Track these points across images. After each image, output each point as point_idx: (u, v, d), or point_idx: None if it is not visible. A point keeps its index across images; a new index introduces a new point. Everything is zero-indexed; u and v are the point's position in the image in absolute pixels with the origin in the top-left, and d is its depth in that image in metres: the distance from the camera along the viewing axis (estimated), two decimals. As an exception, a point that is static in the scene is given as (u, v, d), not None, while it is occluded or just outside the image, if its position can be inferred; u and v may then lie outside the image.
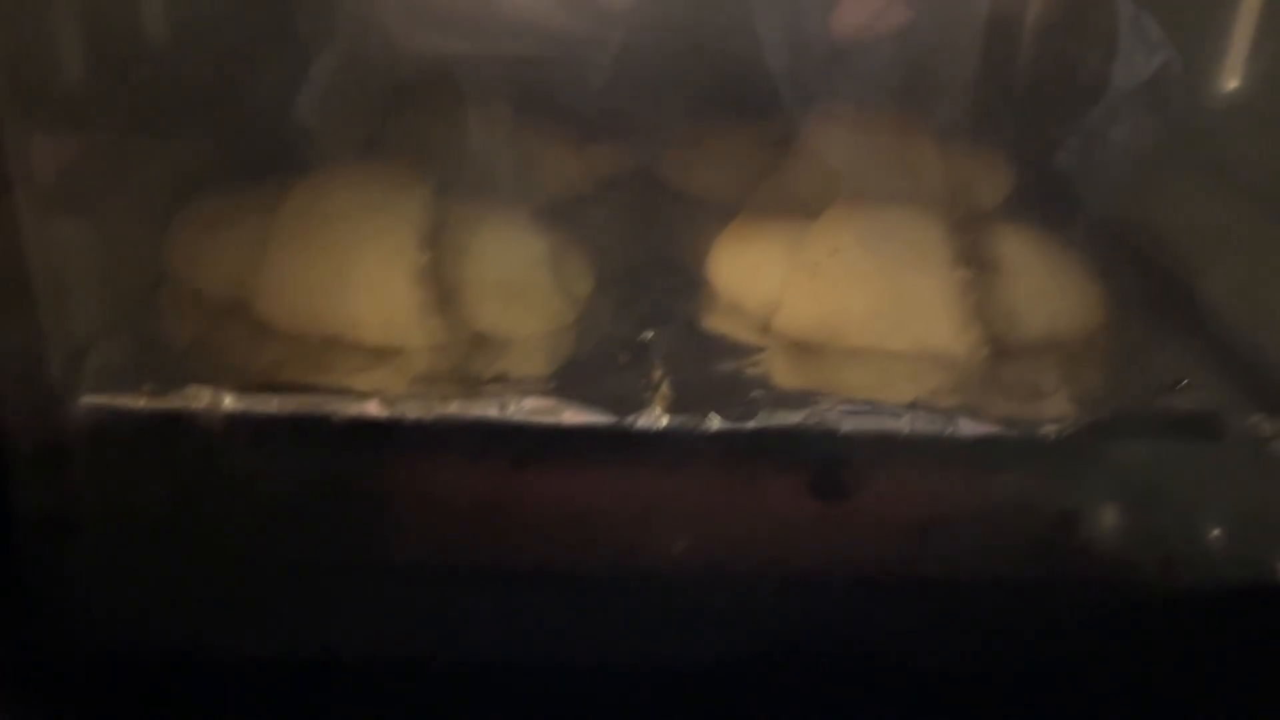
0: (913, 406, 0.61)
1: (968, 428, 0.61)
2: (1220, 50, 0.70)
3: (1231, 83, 0.70)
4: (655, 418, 0.61)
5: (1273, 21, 0.67)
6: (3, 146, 0.54)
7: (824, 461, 0.68)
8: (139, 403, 0.59)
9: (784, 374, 0.65)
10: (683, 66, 0.91)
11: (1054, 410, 0.62)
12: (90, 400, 0.59)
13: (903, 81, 0.88)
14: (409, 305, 0.63)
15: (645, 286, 0.73)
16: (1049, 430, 0.61)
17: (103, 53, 0.63)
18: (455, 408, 0.60)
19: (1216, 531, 0.69)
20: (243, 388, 0.60)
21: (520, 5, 0.87)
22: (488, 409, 0.60)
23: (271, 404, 0.60)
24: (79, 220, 0.60)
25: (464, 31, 0.86)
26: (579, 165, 0.85)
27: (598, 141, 0.87)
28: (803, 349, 0.68)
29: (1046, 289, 0.67)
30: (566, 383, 0.62)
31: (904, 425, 0.61)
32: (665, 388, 0.62)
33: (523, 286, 0.66)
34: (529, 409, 0.60)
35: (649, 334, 0.68)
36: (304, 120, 0.77)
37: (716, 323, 0.70)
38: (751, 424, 0.61)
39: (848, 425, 0.61)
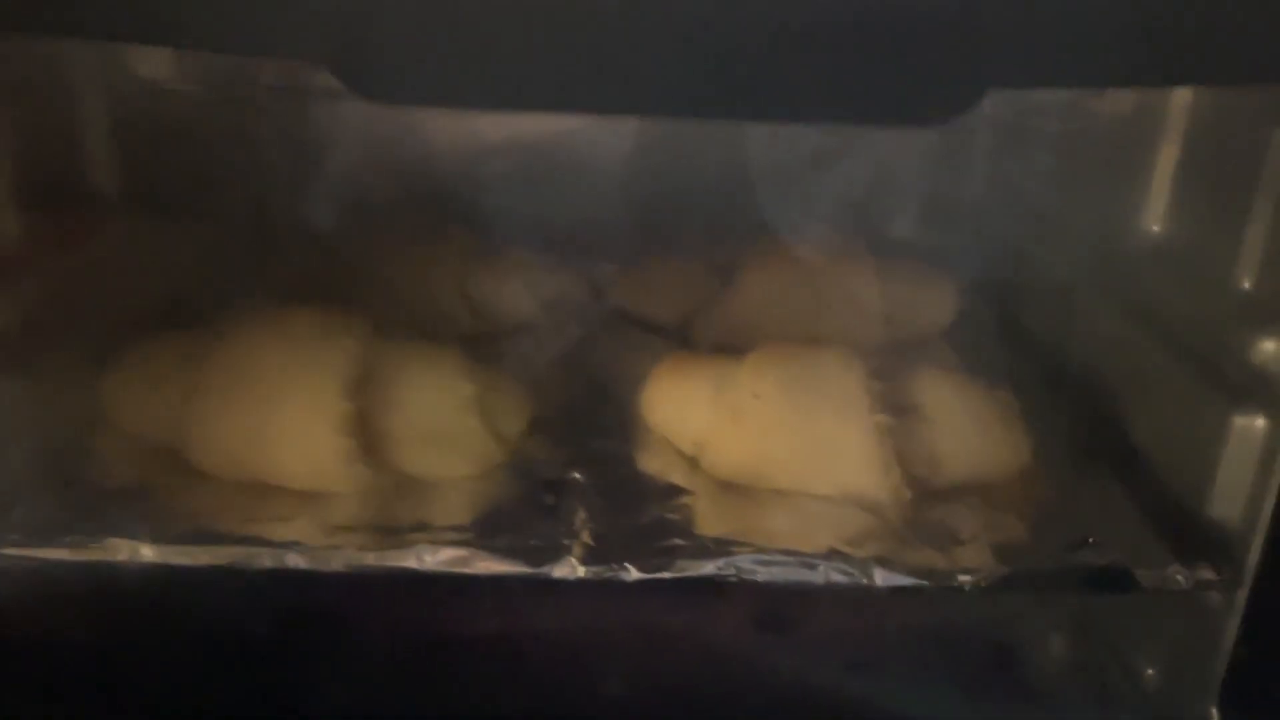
0: (829, 555, 0.62)
1: (883, 578, 0.61)
2: (1144, 194, 0.71)
3: (1155, 226, 0.71)
4: (572, 568, 0.61)
5: (1186, 173, 0.68)
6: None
7: (745, 607, 0.69)
8: (60, 554, 0.60)
9: (707, 518, 0.65)
10: (633, 191, 0.93)
11: (970, 559, 0.62)
12: (12, 552, 0.60)
13: (852, 207, 0.90)
14: (333, 453, 0.64)
15: (579, 422, 0.74)
16: (964, 581, 0.61)
17: (43, 209, 0.65)
18: (373, 559, 0.61)
19: (1150, 671, 0.69)
20: (164, 538, 0.61)
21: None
22: (405, 560, 0.61)
23: (191, 555, 0.60)
24: (9, 376, 0.61)
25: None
26: (524, 290, 0.86)
27: (544, 265, 0.88)
28: (729, 490, 0.68)
29: (968, 433, 0.67)
30: (487, 530, 0.63)
31: (819, 576, 0.61)
32: (585, 535, 0.63)
33: (450, 432, 0.67)
34: (445, 559, 0.61)
35: (577, 475, 0.68)
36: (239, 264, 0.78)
37: (648, 461, 0.71)
38: (668, 574, 0.61)
39: (763, 575, 0.61)
